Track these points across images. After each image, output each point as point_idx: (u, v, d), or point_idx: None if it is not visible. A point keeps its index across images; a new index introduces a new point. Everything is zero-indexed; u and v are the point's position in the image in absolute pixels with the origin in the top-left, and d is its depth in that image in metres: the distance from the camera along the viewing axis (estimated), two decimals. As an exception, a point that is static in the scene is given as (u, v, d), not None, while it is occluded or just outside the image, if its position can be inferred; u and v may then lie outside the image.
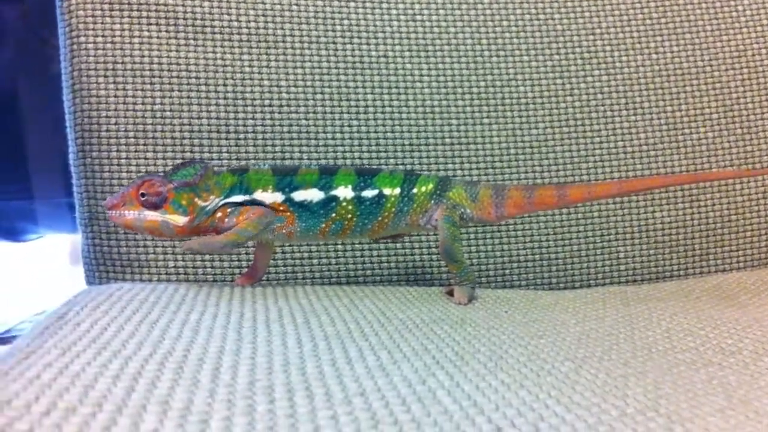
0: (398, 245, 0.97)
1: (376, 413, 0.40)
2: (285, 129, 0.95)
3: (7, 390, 0.39)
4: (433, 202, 0.80)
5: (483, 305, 0.78)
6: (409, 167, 0.98)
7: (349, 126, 0.97)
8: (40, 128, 1.51)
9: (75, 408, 0.38)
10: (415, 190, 0.79)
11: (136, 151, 0.91)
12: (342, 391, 0.44)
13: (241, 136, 0.94)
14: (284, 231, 0.77)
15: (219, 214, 0.75)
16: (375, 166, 0.96)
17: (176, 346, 0.51)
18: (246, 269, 0.91)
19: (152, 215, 0.74)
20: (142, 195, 0.73)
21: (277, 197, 0.76)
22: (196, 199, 0.74)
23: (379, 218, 0.78)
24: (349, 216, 0.77)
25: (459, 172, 0.99)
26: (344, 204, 0.77)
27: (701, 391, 0.49)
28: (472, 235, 0.99)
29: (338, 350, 0.53)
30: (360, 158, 0.97)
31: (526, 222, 1.00)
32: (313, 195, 0.77)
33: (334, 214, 0.77)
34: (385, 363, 0.51)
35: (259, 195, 0.76)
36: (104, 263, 0.91)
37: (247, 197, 0.76)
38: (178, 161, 0.88)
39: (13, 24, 1.52)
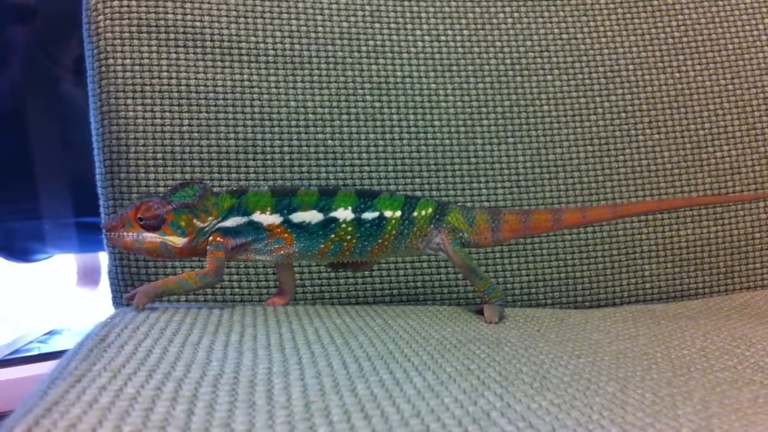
0: (424, 264, 0.97)
1: (436, 435, 0.40)
2: (312, 149, 0.96)
3: (69, 414, 0.40)
4: (432, 226, 0.80)
5: (514, 324, 0.78)
6: (435, 187, 0.98)
7: (375, 146, 0.98)
8: (48, 148, 1.51)
9: (140, 431, 0.38)
10: (415, 214, 0.79)
11: (164, 172, 0.92)
12: (397, 413, 0.44)
13: (268, 156, 0.94)
14: (282, 252, 0.77)
15: (210, 238, 0.75)
16: (375, 188, 0.96)
17: (225, 368, 0.51)
18: (272, 289, 0.92)
19: (151, 237, 0.73)
20: (140, 218, 0.73)
21: (275, 219, 0.76)
22: (194, 221, 0.74)
23: (380, 240, 0.78)
24: (349, 237, 0.77)
25: (484, 191, 0.99)
26: (344, 225, 0.77)
27: (750, 411, 0.49)
28: (498, 255, 0.99)
29: (384, 371, 0.53)
30: (386, 178, 0.97)
31: (552, 241, 1.00)
32: (312, 216, 0.76)
33: (333, 235, 0.77)
34: (432, 384, 0.51)
35: (257, 216, 0.76)
36: (132, 284, 0.92)
37: (244, 219, 0.76)
38: (207, 182, 0.89)
39: (23, 43, 1.53)
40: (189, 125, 0.93)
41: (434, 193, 0.98)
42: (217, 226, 0.75)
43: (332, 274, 0.95)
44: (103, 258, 1.55)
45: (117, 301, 0.94)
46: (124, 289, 0.92)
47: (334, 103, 0.97)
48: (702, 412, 0.48)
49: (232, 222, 0.75)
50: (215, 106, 0.94)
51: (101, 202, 0.94)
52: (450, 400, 0.47)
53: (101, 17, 0.93)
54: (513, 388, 0.51)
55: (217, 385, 0.47)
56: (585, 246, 1.01)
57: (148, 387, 0.45)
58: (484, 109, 1.01)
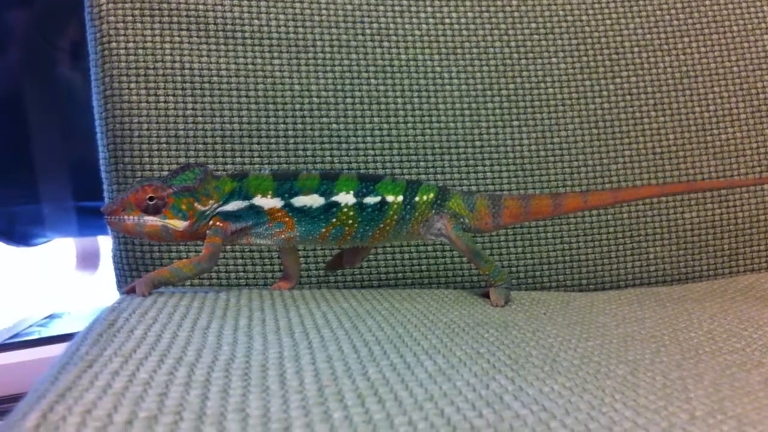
0: (429, 248, 0.97)
1: (451, 418, 0.40)
2: (316, 133, 0.95)
3: (83, 400, 0.39)
4: (433, 211, 0.79)
5: (521, 307, 0.78)
6: (439, 170, 0.98)
7: (380, 129, 0.97)
8: (46, 132, 1.51)
9: (156, 416, 0.38)
10: (417, 199, 0.79)
11: (168, 157, 0.91)
12: (410, 397, 0.44)
13: (272, 140, 0.94)
14: (283, 236, 0.76)
15: (211, 222, 0.75)
16: (379, 173, 0.96)
17: (236, 352, 0.51)
18: (277, 273, 0.92)
19: (152, 220, 0.73)
20: (141, 200, 0.72)
21: (276, 203, 0.76)
22: (195, 204, 0.73)
23: (381, 225, 0.78)
24: (350, 222, 0.77)
25: (489, 175, 0.99)
26: (345, 210, 0.76)
27: (761, 393, 0.49)
28: (502, 238, 0.99)
29: (394, 355, 0.53)
30: (390, 161, 0.97)
31: (556, 224, 1.00)
32: (314, 200, 0.76)
33: (334, 220, 0.76)
34: (443, 368, 0.51)
35: (258, 200, 0.75)
36: (137, 268, 0.91)
37: (245, 203, 0.75)
38: (210, 166, 0.88)
39: (22, 27, 1.52)
40: (193, 109, 0.93)
41: (439, 176, 0.98)
42: (217, 210, 0.75)
43: (337, 258, 0.95)
44: (102, 242, 1.56)
45: (121, 285, 0.94)
46: (128, 274, 0.92)
47: (339, 87, 0.97)
48: (714, 395, 0.48)
49: (232, 206, 0.75)
50: (219, 89, 0.93)
51: (105, 187, 0.94)
52: (462, 384, 0.47)
53: (104, 0, 0.92)
54: (524, 371, 0.51)
55: (229, 369, 0.47)
56: (590, 229, 1.01)
57: (160, 372, 0.45)
58: (488, 92, 1.01)
